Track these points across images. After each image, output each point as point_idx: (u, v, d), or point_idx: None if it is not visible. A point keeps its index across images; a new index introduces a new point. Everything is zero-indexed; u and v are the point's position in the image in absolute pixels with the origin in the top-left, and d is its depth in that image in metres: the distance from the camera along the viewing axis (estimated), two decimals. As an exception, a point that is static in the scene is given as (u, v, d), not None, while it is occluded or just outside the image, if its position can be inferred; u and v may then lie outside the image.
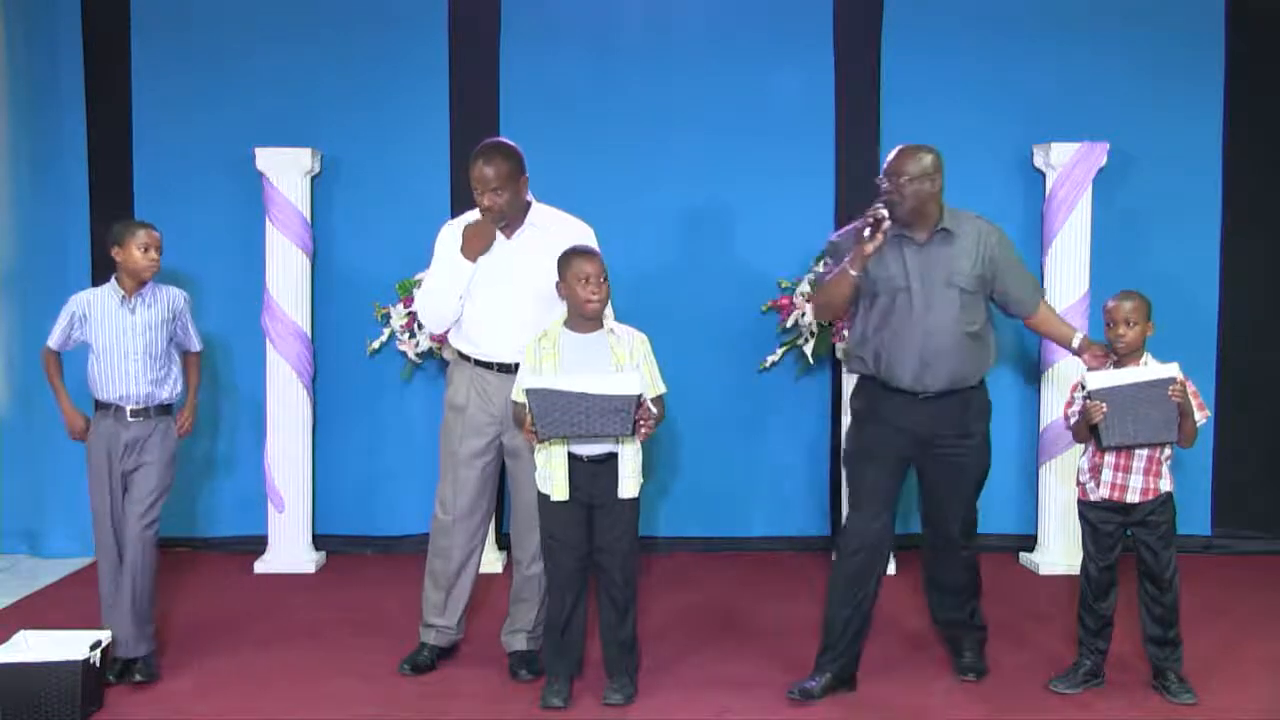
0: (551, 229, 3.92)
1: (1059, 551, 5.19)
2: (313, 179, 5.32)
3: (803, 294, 5.09)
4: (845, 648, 3.77)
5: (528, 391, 3.53)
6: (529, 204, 3.94)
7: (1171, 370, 3.58)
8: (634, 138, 5.41)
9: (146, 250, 3.86)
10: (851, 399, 3.97)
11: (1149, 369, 3.62)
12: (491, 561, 5.07)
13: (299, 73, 5.42)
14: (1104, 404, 3.55)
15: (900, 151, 3.71)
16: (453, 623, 4.05)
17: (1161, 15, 5.40)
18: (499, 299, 3.87)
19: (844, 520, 3.95)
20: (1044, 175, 5.26)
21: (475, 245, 3.83)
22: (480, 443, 3.94)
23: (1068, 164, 5.13)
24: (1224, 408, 5.43)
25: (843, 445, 4.00)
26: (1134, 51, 5.39)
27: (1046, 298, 4.02)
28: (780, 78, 5.43)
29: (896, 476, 3.81)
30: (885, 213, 3.60)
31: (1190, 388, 3.61)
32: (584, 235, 3.94)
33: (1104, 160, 5.16)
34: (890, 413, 3.76)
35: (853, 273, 3.66)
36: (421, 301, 4.03)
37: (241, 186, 5.31)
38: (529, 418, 3.57)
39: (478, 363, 3.93)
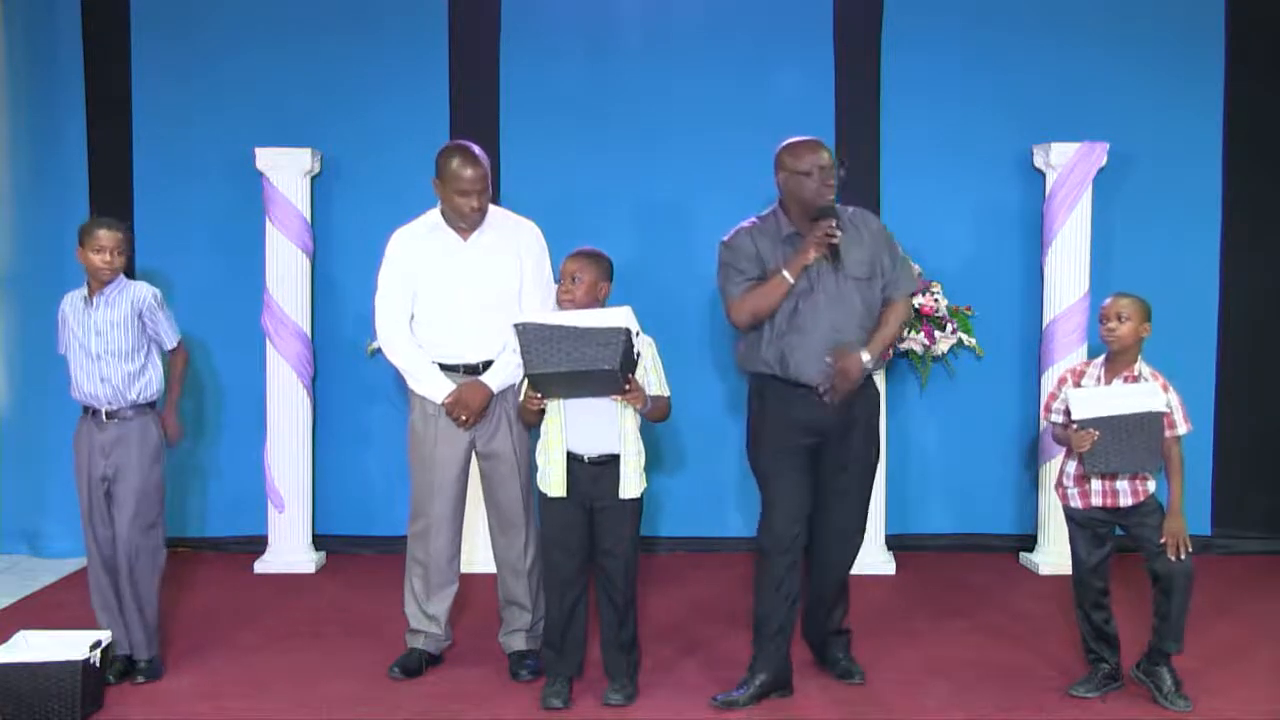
0: (506, 229, 3.94)
1: (1059, 552, 5.17)
2: (313, 179, 5.31)
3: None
4: (776, 650, 3.74)
5: (515, 326, 3.53)
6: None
7: (1159, 403, 3.56)
8: (634, 138, 5.41)
9: (101, 252, 3.77)
10: (750, 399, 3.85)
11: (1137, 394, 3.58)
12: (487, 561, 5.06)
13: (299, 73, 5.42)
14: (1095, 431, 3.54)
15: (811, 143, 3.62)
16: (440, 629, 4.03)
17: (1161, 15, 5.39)
18: (457, 300, 3.86)
19: (764, 520, 3.77)
20: (1044, 175, 5.26)
21: (460, 413, 3.84)
22: (455, 447, 3.91)
23: (1068, 164, 5.12)
24: (1224, 408, 5.42)
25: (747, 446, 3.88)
26: (1134, 51, 5.39)
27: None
28: (780, 78, 5.42)
29: (808, 473, 3.73)
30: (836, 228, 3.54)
31: (1176, 400, 3.61)
32: (535, 235, 3.99)
33: (1104, 160, 5.15)
34: (798, 409, 3.67)
35: (790, 279, 3.59)
36: (383, 342, 3.98)
37: (241, 186, 5.31)
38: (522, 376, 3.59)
39: (443, 366, 3.90)
